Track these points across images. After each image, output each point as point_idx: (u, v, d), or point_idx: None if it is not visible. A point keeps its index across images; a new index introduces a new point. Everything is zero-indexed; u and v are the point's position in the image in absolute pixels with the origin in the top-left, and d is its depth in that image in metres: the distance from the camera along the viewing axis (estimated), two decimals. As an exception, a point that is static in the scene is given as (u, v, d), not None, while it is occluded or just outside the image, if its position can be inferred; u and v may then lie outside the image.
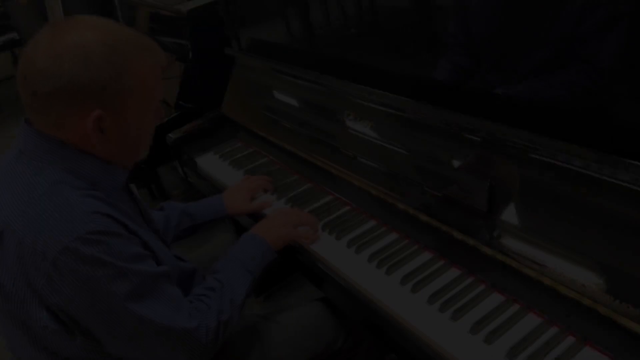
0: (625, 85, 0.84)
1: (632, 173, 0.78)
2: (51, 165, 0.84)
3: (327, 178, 1.36)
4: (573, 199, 0.86)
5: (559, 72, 0.92)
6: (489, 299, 0.92)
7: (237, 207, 1.32)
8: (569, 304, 0.82)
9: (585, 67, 0.87)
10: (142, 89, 0.86)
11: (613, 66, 0.86)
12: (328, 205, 1.28)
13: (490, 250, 0.94)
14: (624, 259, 0.77)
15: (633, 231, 0.77)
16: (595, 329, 0.79)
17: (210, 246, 1.49)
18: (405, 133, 1.17)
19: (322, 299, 1.26)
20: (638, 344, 0.73)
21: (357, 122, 1.27)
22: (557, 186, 0.88)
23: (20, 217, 0.80)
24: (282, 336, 1.16)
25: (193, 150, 1.70)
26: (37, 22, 3.58)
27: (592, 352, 0.78)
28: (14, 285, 0.82)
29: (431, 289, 0.97)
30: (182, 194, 2.61)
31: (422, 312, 0.93)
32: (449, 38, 1.11)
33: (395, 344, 0.96)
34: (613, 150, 0.80)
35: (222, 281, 1.01)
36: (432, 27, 1.16)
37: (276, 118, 1.53)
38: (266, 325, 1.18)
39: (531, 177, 0.92)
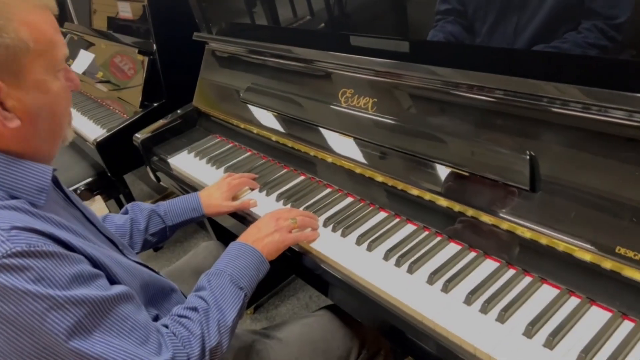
0: None
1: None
2: None
3: (322, 168, 1.19)
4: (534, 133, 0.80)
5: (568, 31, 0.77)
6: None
7: (216, 206, 1.15)
8: (526, 246, 0.82)
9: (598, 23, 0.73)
10: (37, 40, 0.67)
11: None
12: (327, 199, 1.11)
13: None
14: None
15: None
16: (551, 266, 0.80)
17: (191, 258, 1.30)
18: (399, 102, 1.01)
19: (328, 307, 1.09)
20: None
21: (347, 99, 1.11)
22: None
23: None
24: (287, 356, 0.98)
25: (164, 151, 1.50)
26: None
27: (549, 288, 0.79)
28: None
29: (466, 287, 0.81)
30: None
31: (453, 312, 0.78)
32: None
33: (419, 350, 0.80)
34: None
35: (207, 300, 0.83)
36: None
37: (256, 106, 1.36)
38: (266, 344, 1.01)
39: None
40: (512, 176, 0.82)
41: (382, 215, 1.03)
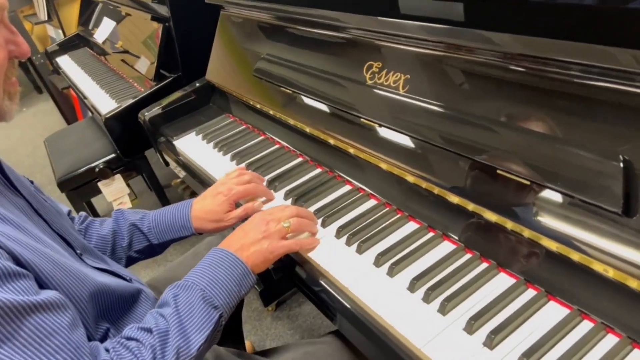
0: None
1: None
2: None
3: (344, 161, 0.97)
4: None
5: None
6: None
7: (210, 223, 0.92)
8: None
9: None
10: None
11: None
12: (344, 200, 0.90)
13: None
14: None
15: None
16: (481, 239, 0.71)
17: (190, 257, 1.13)
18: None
19: (337, 332, 0.89)
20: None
21: (384, 77, 0.87)
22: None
23: None
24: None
25: (172, 131, 1.33)
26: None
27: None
28: None
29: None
30: (183, 182, 2.25)
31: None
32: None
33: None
34: None
35: (168, 320, 0.65)
36: None
37: (271, 82, 1.14)
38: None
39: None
40: (595, 192, 0.57)
41: (412, 226, 0.80)
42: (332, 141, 0.98)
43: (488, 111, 0.71)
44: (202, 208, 0.91)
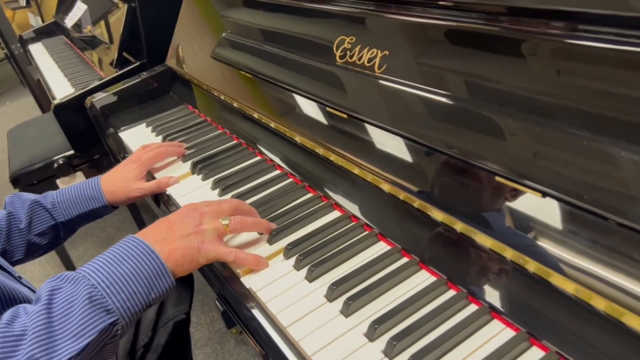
0: None
1: None
2: None
3: (317, 164, 0.78)
4: None
5: None
6: None
7: (123, 190, 0.82)
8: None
9: None
10: None
11: None
12: (304, 209, 0.71)
13: None
14: None
15: None
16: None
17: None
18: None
19: None
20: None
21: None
22: None
23: None
24: None
25: (121, 122, 1.14)
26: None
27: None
28: None
29: None
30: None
31: None
32: None
33: None
34: None
35: (32, 318, 0.48)
36: None
37: (233, 65, 0.96)
38: None
39: None
40: (623, 209, 0.39)
41: (382, 246, 0.61)
42: (298, 139, 0.79)
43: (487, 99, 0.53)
44: (110, 176, 0.85)
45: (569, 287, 0.44)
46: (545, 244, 0.46)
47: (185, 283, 0.95)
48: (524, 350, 0.45)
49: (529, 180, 0.47)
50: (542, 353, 0.44)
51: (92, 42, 1.74)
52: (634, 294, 0.39)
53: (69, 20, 1.88)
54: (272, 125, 0.85)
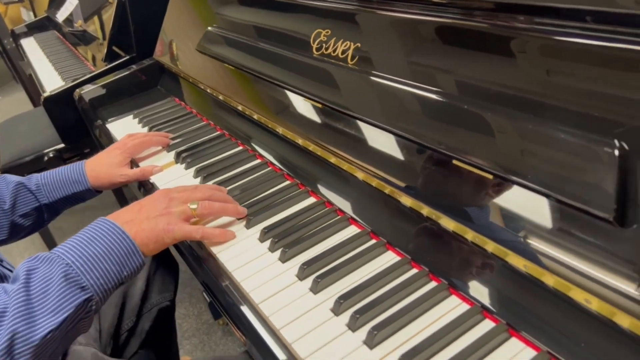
0: None
1: None
2: None
3: (289, 151, 0.81)
4: None
5: None
6: None
7: (106, 176, 0.86)
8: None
9: None
10: None
11: None
12: (279, 196, 0.73)
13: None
14: None
15: None
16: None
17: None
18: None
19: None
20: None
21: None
22: None
23: None
24: None
25: (109, 114, 1.17)
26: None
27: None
28: None
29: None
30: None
31: None
32: None
33: None
34: None
35: (11, 296, 0.51)
36: None
37: (217, 57, 0.98)
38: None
39: None
40: (579, 194, 0.41)
41: (352, 229, 0.64)
42: (280, 130, 0.82)
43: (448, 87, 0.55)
44: (95, 161, 0.88)
45: (519, 263, 0.47)
46: (500, 224, 0.49)
47: (170, 271, 0.98)
48: (478, 322, 0.48)
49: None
50: (492, 324, 0.47)
51: (83, 37, 1.76)
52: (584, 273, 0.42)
53: (61, 15, 1.90)
54: (255, 117, 0.88)
